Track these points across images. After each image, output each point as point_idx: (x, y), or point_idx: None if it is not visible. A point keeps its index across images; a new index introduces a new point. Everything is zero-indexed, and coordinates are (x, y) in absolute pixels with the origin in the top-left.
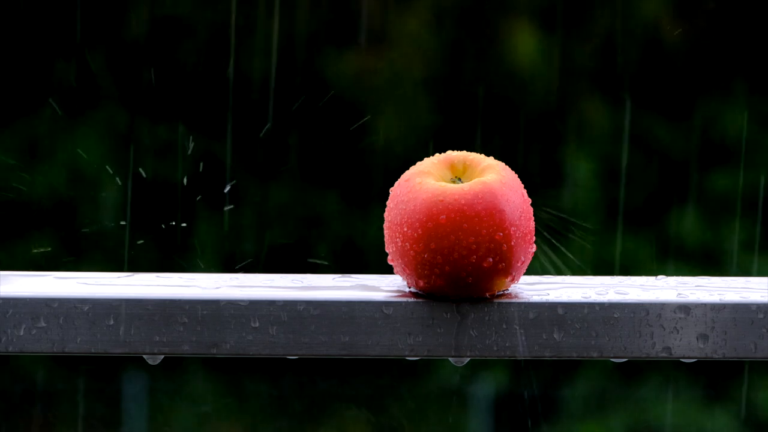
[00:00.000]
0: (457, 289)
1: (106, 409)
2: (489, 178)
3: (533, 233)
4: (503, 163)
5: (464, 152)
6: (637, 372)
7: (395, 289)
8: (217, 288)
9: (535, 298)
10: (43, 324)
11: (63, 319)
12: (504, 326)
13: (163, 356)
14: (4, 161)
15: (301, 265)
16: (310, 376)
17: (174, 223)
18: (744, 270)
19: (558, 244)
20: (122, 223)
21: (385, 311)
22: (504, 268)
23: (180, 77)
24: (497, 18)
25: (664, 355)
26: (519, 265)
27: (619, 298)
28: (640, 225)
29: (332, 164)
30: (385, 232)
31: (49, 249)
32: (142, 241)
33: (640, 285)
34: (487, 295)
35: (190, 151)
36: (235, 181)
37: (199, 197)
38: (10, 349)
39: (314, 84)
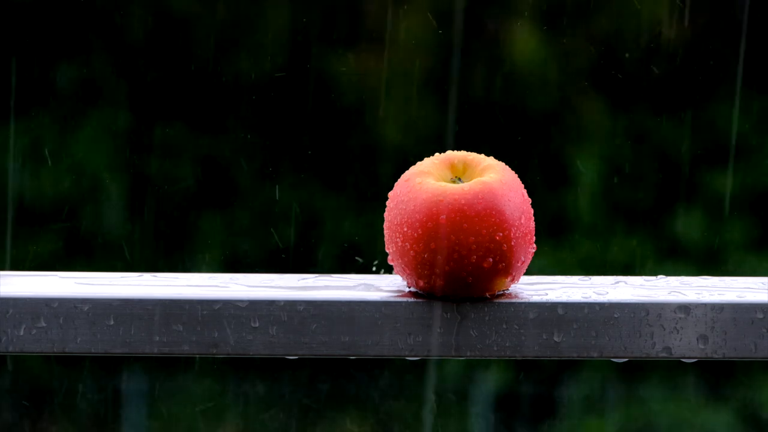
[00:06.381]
0: (457, 289)
1: (106, 409)
2: (489, 177)
3: (533, 233)
4: (503, 163)
5: (464, 152)
6: (637, 372)
7: (395, 289)
8: (217, 288)
9: (535, 298)
10: (43, 324)
11: (63, 319)
12: (504, 326)
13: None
14: (6, 162)
15: (302, 265)
16: (310, 376)
17: (174, 223)
18: (744, 270)
19: (558, 244)
20: (123, 223)
21: (385, 311)
22: (504, 268)
23: (181, 77)
24: (497, 18)
25: (664, 355)
26: (519, 265)
27: (619, 298)
28: (640, 225)
29: (332, 164)
30: (385, 232)
31: (50, 249)
32: (142, 242)
33: (640, 285)
34: (487, 295)
35: (190, 151)
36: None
37: (200, 197)
38: (10, 349)
39: (314, 84)
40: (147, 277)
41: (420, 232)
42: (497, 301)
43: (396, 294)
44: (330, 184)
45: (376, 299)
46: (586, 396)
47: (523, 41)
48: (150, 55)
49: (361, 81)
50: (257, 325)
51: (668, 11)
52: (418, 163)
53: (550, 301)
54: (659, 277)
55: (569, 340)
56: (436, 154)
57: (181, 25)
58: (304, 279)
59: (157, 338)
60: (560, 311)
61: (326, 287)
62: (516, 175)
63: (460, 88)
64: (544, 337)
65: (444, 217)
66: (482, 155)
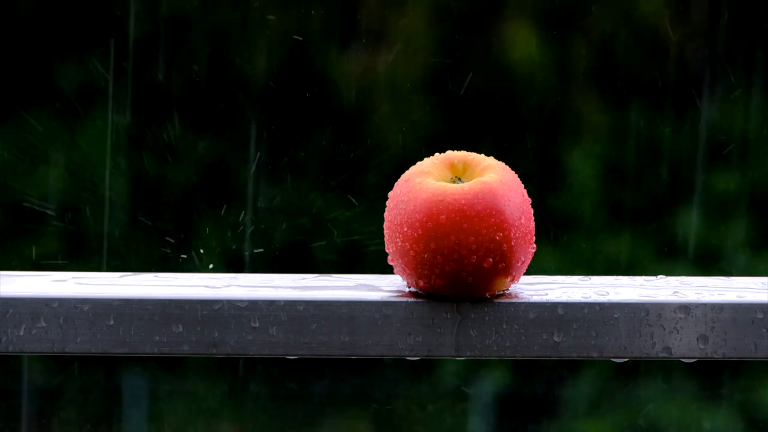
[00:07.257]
0: (457, 289)
1: (106, 409)
2: (489, 177)
3: (533, 233)
4: (503, 163)
5: (464, 152)
6: (637, 372)
7: (395, 289)
8: (217, 288)
9: (535, 298)
10: (43, 324)
11: (63, 319)
12: (504, 326)
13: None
14: (5, 161)
15: (302, 265)
16: (310, 376)
17: (174, 223)
18: (744, 270)
19: (558, 244)
20: (123, 223)
21: (385, 311)
22: (504, 268)
23: (181, 77)
24: (496, 17)
25: (664, 355)
26: (519, 265)
27: (619, 298)
28: (640, 225)
29: (332, 164)
30: (385, 232)
31: (50, 249)
32: (142, 242)
33: (640, 285)
34: (487, 295)
35: (190, 151)
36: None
37: (200, 197)
38: (10, 349)
39: (314, 84)
40: (147, 277)
41: (420, 232)
42: (497, 301)
43: (396, 294)
44: (330, 184)
45: (376, 299)
46: (586, 396)
47: (523, 40)
48: (150, 55)
49: (360, 81)
50: (257, 325)
51: (668, 10)
52: (418, 163)
53: (550, 301)
54: (659, 277)
55: (569, 340)
56: (436, 154)
57: (180, 25)
58: (304, 279)
59: (157, 338)
60: (560, 311)
61: (326, 287)
62: (516, 175)
63: (459, 88)
64: (544, 337)
65: (444, 217)
66: (482, 155)
